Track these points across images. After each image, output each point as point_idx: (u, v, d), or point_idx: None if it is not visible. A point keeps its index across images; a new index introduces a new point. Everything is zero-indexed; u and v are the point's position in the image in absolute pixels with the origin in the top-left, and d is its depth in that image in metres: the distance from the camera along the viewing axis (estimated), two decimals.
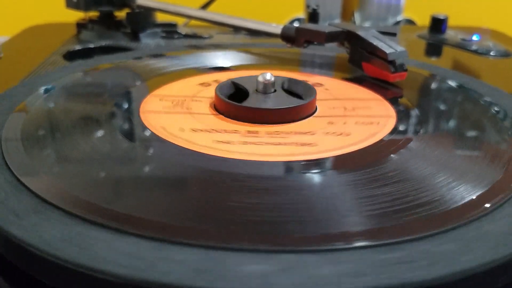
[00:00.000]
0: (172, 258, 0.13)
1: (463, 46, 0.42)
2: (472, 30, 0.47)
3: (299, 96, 0.25)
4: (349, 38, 0.30)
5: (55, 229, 0.14)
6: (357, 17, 0.56)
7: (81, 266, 0.13)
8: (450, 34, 0.45)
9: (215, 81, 0.27)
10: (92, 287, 0.13)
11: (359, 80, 0.29)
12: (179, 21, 0.45)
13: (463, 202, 0.16)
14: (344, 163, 0.19)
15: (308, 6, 0.52)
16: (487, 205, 0.16)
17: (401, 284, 0.12)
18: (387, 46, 0.28)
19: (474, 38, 0.44)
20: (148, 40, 0.42)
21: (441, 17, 0.46)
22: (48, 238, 0.14)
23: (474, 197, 0.16)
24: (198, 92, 0.26)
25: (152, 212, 0.15)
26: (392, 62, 0.28)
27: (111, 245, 0.13)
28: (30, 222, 0.14)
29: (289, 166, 0.19)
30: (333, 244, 0.14)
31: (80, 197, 0.16)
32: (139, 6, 0.43)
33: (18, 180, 0.17)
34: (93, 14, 0.46)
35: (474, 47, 0.41)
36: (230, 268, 0.13)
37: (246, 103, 0.23)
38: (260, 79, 0.24)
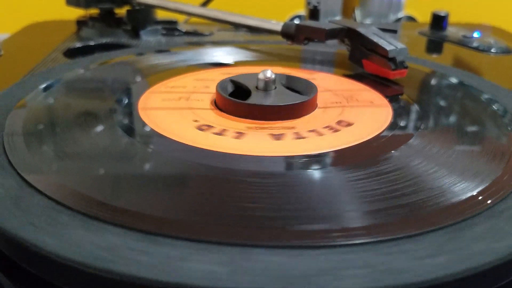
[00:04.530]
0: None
1: (464, 43, 0.42)
2: (473, 27, 0.47)
3: (300, 93, 0.24)
4: (349, 35, 0.30)
5: (55, 227, 0.14)
6: (358, 14, 0.56)
7: (85, 265, 0.13)
8: (451, 31, 0.45)
9: (216, 77, 0.27)
10: (94, 285, 0.13)
11: (359, 77, 0.29)
12: (180, 18, 0.45)
13: (463, 198, 0.16)
14: (339, 159, 0.19)
15: (308, 3, 0.51)
16: (488, 201, 0.16)
17: (400, 284, 0.12)
18: (387, 43, 0.28)
19: (475, 35, 0.43)
20: (148, 37, 0.42)
21: (442, 14, 0.46)
22: (49, 237, 0.14)
23: (474, 193, 0.16)
24: (199, 88, 0.26)
25: (154, 208, 0.15)
26: (392, 59, 0.28)
27: (115, 244, 0.13)
28: (30, 221, 0.14)
29: (288, 162, 0.19)
30: (334, 239, 0.14)
31: (82, 193, 0.16)
32: (139, 3, 0.43)
33: (20, 175, 0.17)
34: (94, 11, 0.46)
35: (475, 44, 0.41)
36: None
37: (246, 100, 0.23)
38: (261, 76, 0.24)
